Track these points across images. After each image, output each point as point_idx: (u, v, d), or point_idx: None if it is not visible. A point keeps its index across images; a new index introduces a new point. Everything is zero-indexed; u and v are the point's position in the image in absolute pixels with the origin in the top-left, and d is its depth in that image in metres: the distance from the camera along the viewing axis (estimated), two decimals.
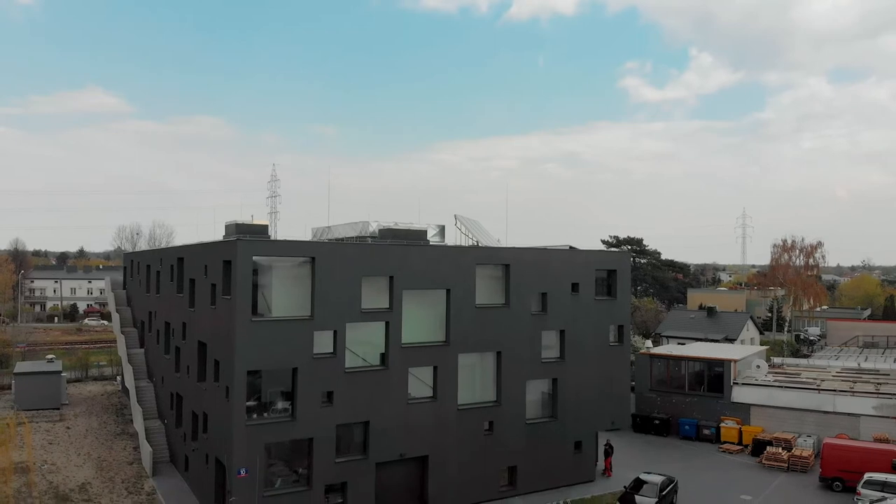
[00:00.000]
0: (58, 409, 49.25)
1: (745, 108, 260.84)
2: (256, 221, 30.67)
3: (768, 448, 40.59)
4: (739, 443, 43.58)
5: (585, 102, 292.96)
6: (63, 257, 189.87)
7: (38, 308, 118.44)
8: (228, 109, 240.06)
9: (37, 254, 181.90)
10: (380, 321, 30.84)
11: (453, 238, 37.34)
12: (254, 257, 27.55)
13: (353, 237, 36.81)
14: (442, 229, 36.00)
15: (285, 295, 29.26)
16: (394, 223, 34.45)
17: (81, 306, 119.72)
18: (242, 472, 27.40)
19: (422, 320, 32.35)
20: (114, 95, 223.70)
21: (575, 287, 36.26)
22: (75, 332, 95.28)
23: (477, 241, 37.82)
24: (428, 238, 34.35)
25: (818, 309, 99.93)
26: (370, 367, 30.56)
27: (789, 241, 75.47)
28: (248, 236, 29.04)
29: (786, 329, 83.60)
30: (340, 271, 29.43)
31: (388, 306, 30.92)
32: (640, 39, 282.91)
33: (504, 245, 35.19)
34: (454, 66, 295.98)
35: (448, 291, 32.57)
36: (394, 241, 32.31)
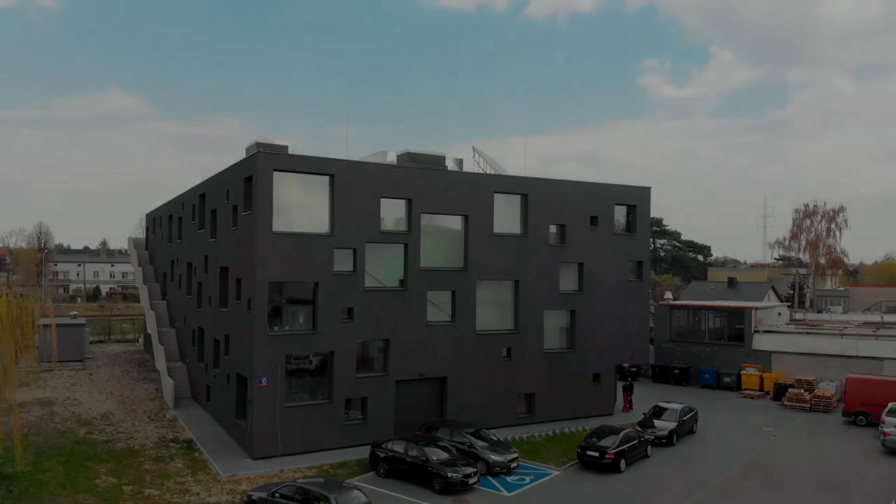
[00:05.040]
0: (81, 361, 49.81)
1: (766, 106, 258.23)
2: (277, 142, 30.96)
3: (790, 390, 40.22)
4: (760, 389, 43.16)
5: (604, 101, 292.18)
6: (85, 251, 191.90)
7: (61, 290, 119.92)
8: (246, 110, 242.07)
9: (58, 248, 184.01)
10: (399, 244, 31.01)
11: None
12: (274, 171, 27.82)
13: None
14: (460, 163, 36.03)
15: (305, 211, 29.56)
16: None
17: (104, 289, 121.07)
18: (264, 381, 27.66)
19: (440, 245, 32.50)
20: (134, 97, 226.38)
21: (594, 220, 36.21)
22: (98, 308, 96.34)
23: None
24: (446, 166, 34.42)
25: (841, 289, 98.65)
26: (390, 288, 30.75)
27: (811, 206, 74.57)
28: (268, 150, 29.36)
29: (807, 304, 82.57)
30: (359, 190, 29.64)
31: (406, 229, 31.09)
32: (659, 37, 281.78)
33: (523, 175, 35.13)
34: (471, 66, 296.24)
35: (466, 218, 32.68)
36: (412, 165, 32.45)
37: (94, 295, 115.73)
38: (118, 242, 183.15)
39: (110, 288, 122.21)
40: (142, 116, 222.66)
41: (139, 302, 63.67)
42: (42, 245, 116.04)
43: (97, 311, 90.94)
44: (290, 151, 30.76)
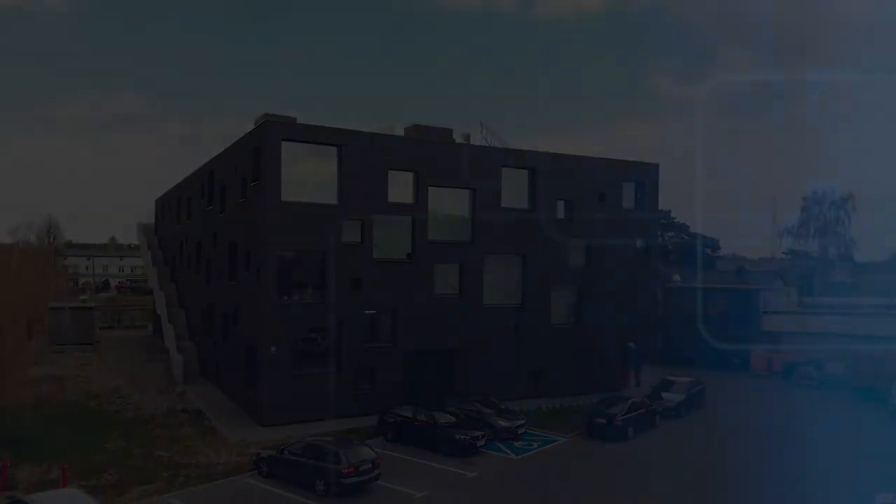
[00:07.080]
0: (90, 344, 50.06)
1: (777, 106, 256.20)
2: (286, 114, 31.10)
3: (799, 368, 40.09)
4: (769, 369, 42.99)
5: (613, 100, 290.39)
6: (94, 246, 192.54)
7: (70, 284, 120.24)
8: (252, 111, 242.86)
9: (68, 243, 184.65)
10: (406, 216, 31.06)
11: None
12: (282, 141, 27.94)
13: None
14: (467, 137, 36.03)
15: (313, 182, 29.67)
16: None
17: (113, 283, 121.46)
18: (273, 350, 27.73)
19: (447, 219, 32.56)
20: (144, 97, 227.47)
21: (602, 197, 36.17)
22: (107, 301, 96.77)
23: None
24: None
25: (850, 282, 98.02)
26: (397, 260, 30.83)
27: (820, 193, 74.16)
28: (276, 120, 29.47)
29: (816, 295, 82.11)
30: (367, 162, 29.72)
31: (413, 201, 31.13)
32: (669, 36, 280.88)
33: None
34: (479, 66, 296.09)
35: (473, 191, 32.72)
36: (420, 137, 32.51)
37: (102, 288, 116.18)
38: (126, 239, 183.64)
39: (119, 281, 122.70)
40: (149, 116, 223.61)
41: (148, 294, 64.08)
42: (51, 238, 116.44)
43: (106, 303, 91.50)
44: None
